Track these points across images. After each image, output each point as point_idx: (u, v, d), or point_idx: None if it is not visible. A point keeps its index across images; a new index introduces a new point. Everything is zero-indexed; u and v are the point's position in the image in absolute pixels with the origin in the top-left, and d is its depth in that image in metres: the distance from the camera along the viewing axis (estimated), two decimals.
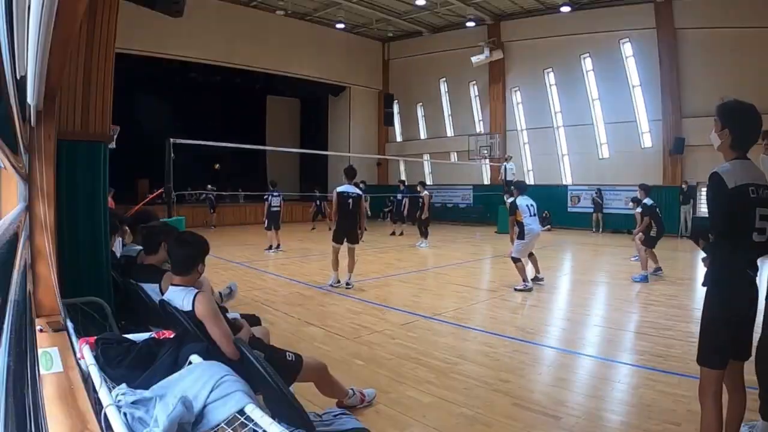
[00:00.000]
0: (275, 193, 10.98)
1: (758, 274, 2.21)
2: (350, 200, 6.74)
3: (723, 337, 2.15)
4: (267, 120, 22.57)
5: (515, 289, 6.59)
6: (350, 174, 6.88)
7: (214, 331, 2.22)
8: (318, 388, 2.80)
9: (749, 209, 2.09)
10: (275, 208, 10.82)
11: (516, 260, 6.78)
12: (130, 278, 3.17)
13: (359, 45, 20.49)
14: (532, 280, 6.89)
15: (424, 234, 11.85)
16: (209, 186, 16.32)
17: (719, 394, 2.16)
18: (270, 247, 10.70)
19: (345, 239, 6.79)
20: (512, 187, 7.59)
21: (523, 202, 6.93)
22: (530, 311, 5.85)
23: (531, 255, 7.06)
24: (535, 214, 6.95)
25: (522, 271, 6.71)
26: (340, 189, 6.78)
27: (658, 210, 7.71)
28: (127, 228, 4.17)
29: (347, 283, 6.81)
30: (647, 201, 7.66)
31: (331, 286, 6.81)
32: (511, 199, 7.35)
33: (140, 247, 3.55)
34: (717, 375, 2.16)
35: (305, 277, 7.68)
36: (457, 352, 4.10)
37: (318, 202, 16.18)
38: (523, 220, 6.80)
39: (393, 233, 14.12)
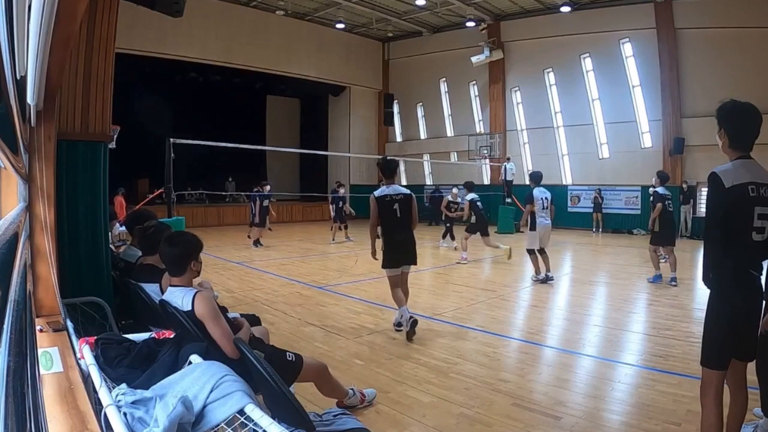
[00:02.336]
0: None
1: (762, 274, 2.20)
2: (396, 205, 4.58)
3: (723, 337, 2.15)
4: (267, 120, 22.56)
5: (532, 280, 7.17)
6: (389, 170, 4.70)
7: (214, 331, 2.22)
8: (318, 388, 2.80)
9: (747, 208, 2.09)
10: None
11: (530, 252, 7.20)
12: (130, 279, 3.16)
13: (359, 45, 20.48)
14: (546, 276, 7.19)
15: (452, 235, 11.40)
16: (268, 187, 15.70)
17: (720, 394, 2.16)
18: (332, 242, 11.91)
19: (401, 261, 4.65)
20: (529, 177, 7.66)
21: (540, 194, 7.13)
22: (530, 311, 5.85)
23: (543, 253, 7.22)
24: (546, 208, 7.15)
25: (535, 262, 7.16)
26: (377, 193, 4.65)
27: (667, 204, 7.07)
28: (116, 223, 4.14)
29: (403, 320, 4.51)
30: (660, 189, 7.14)
31: (396, 327, 4.64)
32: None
33: (140, 252, 3.52)
34: (718, 375, 2.16)
35: (305, 277, 7.68)
36: (457, 352, 4.10)
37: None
38: (536, 210, 7.06)
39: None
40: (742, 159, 2.17)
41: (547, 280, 7.12)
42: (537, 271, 7.10)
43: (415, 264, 4.74)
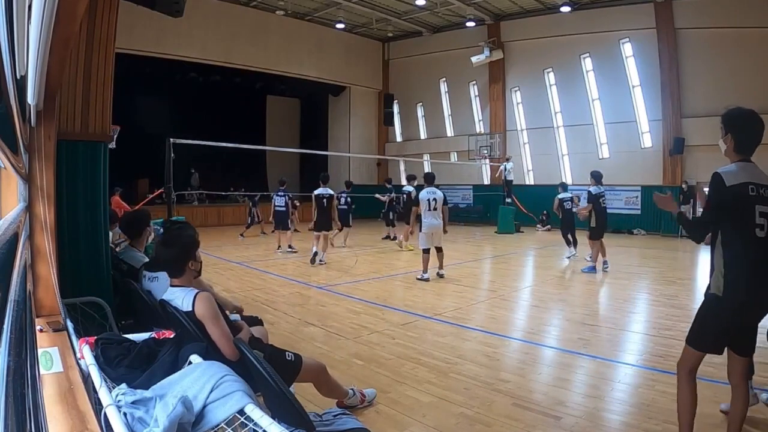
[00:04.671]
0: (280, 193, 10.79)
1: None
2: (324, 200, 8.86)
3: (721, 329, 2.28)
4: (267, 120, 22.57)
5: (417, 278, 7.23)
6: (326, 178, 9.03)
7: (214, 332, 2.21)
8: (317, 388, 2.79)
9: (748, 206, 2.21)
10: (279, 208, 10.68)
11: (424, 251, 7.25)
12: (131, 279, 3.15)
13: (359, 45, 20.48)
14: (437, 274, 7.44)
15: (570, 243, 9.67)
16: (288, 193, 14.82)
17: (695, 370, 2.36)
18: (279, 248, 10.68)
19: (320, 228, 8.90)
20: (424, 178, 7.76)
21: (425, 195, 7.27)
22: (530, 311, 5.86)
23: (440, 251, 7.42)
24: (435, 209, 7.20)
25: (425, 262, 7.21)
26: (316, 192, 8.81)
27: (602, 201, 8.09)
28: (116, 225, 4.09)
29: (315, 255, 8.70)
30: (592, 189, 8.09)
31: (312, 260, 8.78)
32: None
33: (144, 257, 3.49)
34: (698, 356, 2.34)
35: (305, 277, 7.68)
36: (457, 352, 4.10)
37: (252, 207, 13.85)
38: (421, 212, 7.26)
39: (387, 237, 12.70)
40: (743, 162, 2.32)
41: (439, 276, 7.40)
42: (424, 270, 7.17)
43: (328, 230, 8.95)
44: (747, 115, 2.34)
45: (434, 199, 7.21)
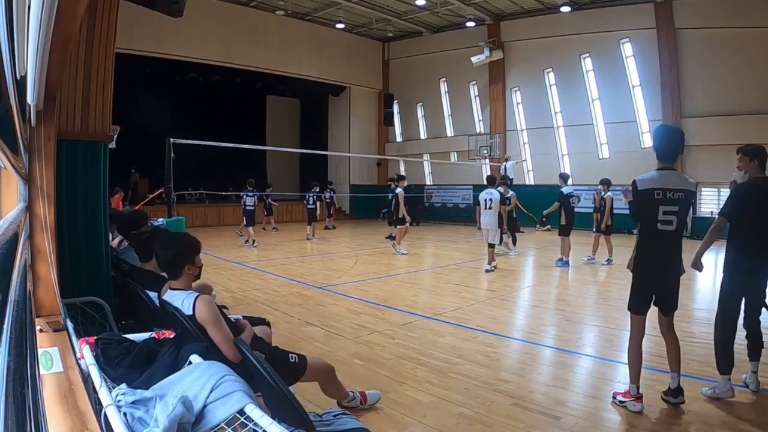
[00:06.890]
0: (250, 193, 11.79)
1: (675, 252, 3.00)
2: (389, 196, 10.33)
3: (641, 293, 3.07)
4: (267, 120, 22.55)
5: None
6: (401, 177, 10.34)
7: (215, 336, 2.21)
8: (321, 388, 2.79)
9: (653, 206, 2.93)
10: (249, 207, 11.66)
11: (488, 245, 8.25)
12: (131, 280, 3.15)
13: (359, 45, 20.47)
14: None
15: (514, 240, 10.84)
16: (269, 189, 15.15)
17: (641, 333, 3.07)
18: (246, 242, 11.58)
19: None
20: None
21: (483, 196, 8.19)
22: (530, 311, 5.86)
23: (490, 246, 8.20)
24: (490, 207, 8.03)
25: (489, 255, 8.23)
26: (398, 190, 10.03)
27: (571, 200, 8.76)
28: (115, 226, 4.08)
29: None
30: (564, 189, 8.69)
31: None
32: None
33: None
34: (639, 319, 3.08)
35: (305, 277, 7.68)
36: (457, 352, 4.10)
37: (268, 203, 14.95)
38: (480, 210, 8.22)
39: (389, 236, 13.14)
40: (662, 170, 2.99)
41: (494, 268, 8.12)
42: (488, 262, 8.14)
43: (398, 225, 10.14)
44: (667, 131, 3.09)
45: (489, 199, 8.01)
